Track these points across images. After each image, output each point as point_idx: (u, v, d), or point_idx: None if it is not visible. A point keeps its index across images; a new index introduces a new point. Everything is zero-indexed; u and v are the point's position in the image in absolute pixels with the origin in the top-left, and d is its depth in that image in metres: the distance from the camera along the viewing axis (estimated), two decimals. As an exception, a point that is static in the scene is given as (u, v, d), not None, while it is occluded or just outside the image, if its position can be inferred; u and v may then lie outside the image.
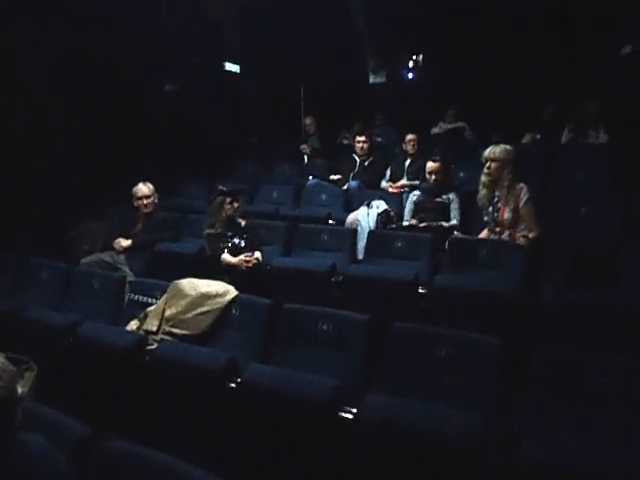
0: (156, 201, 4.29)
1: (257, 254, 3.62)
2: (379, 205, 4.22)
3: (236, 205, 3.76)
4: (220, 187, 3.82)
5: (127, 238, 4.11)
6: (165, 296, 3.01)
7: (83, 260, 3.95)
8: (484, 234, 3.67)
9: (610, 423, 1.90)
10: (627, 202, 3.77)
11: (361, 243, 3.93)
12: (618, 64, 6.41)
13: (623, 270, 2.95)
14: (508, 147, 3.55)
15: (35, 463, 1.37)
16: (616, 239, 3.37)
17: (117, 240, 4.08)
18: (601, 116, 5.56)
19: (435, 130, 7.06)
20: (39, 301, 3.47)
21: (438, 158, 4.26)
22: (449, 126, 6.97)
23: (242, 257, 3.55)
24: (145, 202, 4.20)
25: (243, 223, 3.85)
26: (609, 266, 3.00)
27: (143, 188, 4.22)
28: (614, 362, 2.00)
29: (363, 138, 5.51)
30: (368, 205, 4.24)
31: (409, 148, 5.34)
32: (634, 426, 1.86)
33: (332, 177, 5.65)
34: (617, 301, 2.56)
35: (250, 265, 3.52)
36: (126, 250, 4.04)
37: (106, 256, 3.99)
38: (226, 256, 3.59)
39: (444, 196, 4.18)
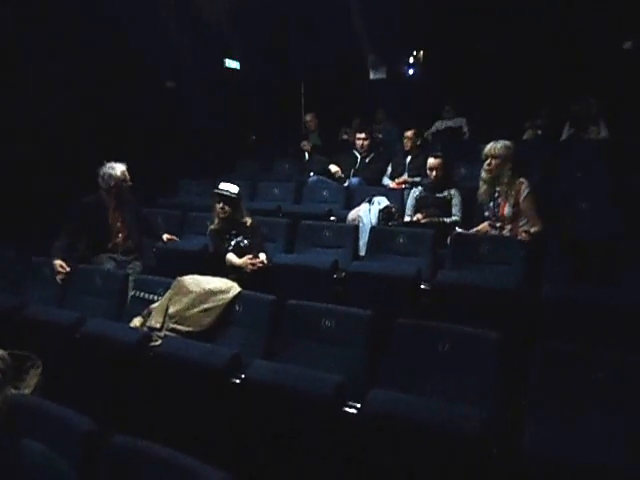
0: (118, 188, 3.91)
1: (262, 256, 3.55)
2: (380, 201, 4.22)
3: (227, 208, 3.67)
4: (214, 190, 3.77)
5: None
6: (169, 293, 3.02)
7: (95, 260, 3.83)
8: (483, 226, 3.69)
9: (611, 419, 1.91)
10: (627, 198, 3.77)
11: (363, 239, 3.94)
12: (619, 59, 6.40)
13: (624, 266, 2.96)
14: (508, 143, 3.55)
15: (35, 470, 1.39)
16: (616, 235, 3.38)
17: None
18: (601, 111, 5.56)
19: (432, 130, 6.91)
20: (42, 298, 3.49)
21: (439, 154, 4.26)
22: (449, 123, 6.93)
23: (247, 259, 3.51)
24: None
25: (249, 222, 3.77)
26: (609, 262, 3.01)
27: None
28: (615, 358, 2.01)
29: (363, 135, 5.49)
30: (369, 201, 4.24)
31: (405, 144, 5.32)
32: (635, 422, 1.87)
33: (331, 167, 5.63)
34: (618, 297, 2.57)
35: (255, 268, 3.48)
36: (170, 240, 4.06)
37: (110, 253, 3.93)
38: (231, 256, 3.56)
39: (445, 192, 4.18)
